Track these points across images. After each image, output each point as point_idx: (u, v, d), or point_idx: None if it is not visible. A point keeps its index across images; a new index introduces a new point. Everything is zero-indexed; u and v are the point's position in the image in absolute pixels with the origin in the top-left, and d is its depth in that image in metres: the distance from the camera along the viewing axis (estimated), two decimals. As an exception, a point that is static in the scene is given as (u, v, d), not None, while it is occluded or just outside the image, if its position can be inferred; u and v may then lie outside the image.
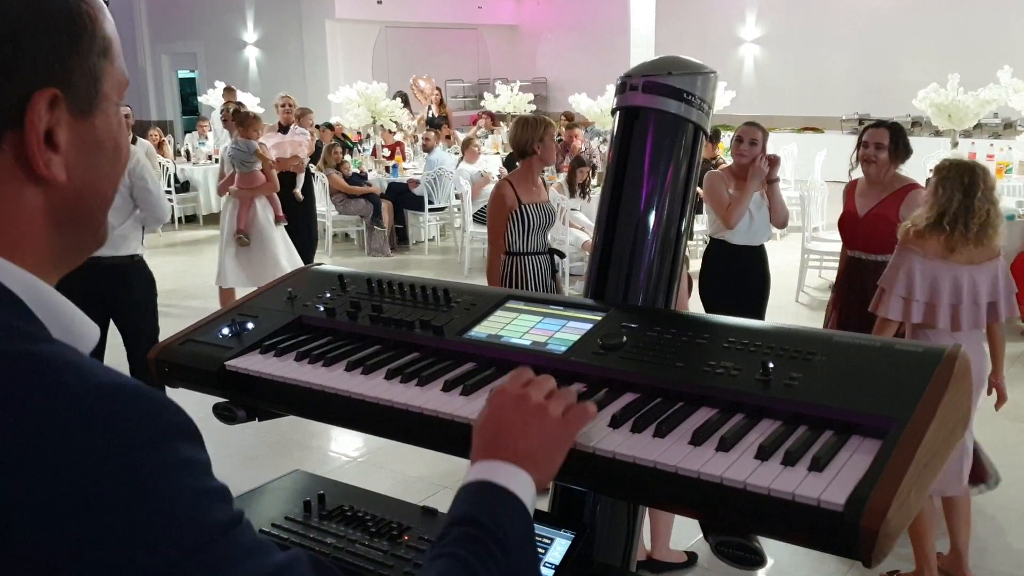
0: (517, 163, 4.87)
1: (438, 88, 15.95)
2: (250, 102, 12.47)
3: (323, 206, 10.10)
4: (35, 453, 0.67)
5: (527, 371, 1.15)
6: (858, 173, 4.59)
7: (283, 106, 8.91)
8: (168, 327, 5.83)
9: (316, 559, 0.81)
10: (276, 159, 8.46)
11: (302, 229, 8.45)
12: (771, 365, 1.19)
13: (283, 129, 8.73)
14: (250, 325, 1.58)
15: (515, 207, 4.62)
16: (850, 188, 4.60)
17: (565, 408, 1.10)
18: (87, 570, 0.66)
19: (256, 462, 5.06)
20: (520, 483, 1.01)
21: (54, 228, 0.81)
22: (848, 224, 4.51)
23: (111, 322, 4.89)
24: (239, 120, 7.26)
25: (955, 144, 9.46)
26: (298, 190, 8.41)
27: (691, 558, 3.84)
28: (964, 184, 3.50)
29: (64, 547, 0.66)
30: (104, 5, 0.85)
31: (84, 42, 0.80)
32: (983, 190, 3.49)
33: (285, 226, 7.41)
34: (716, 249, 4.95)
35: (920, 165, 7.86)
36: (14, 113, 0.76)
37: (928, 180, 3.74)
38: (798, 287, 8.09)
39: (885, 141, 4.39)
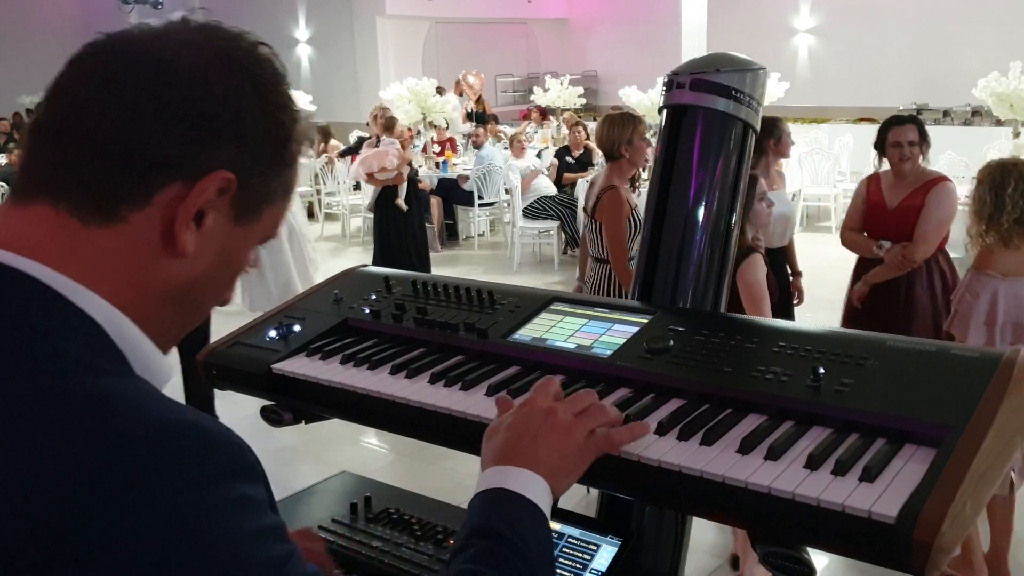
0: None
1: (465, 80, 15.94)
2: (302, 100, 12.59)
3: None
4: (85, 494, 0.66)
5: (554, 383, 1.15)
6: (880, 166, 4.54)
7: (377, 117, 8.76)
8: (221, 326, 5.88)
9: None
10: (366, 176, 8.43)
11: (407, 244, 8.28)
12: (822, 371, 1.17)
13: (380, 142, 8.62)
14: (296, 327, 1.59)
15: (630, 213, 4.36)
16: (873, 180, 4.52)
17: (592, 429, 1.09)
18: None
19: (306, 459, 5.12)
20: (538, 490, 1.01)
21: (162, 303, 0.83)
22: (877, 216, 4.45)
23: None
24: None
25: (1017, 134, 9.21)
26: (400, 200, 8.26)
27: None
28: (995, 183, 3.54)
29: None
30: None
31: (279, 166, 0.86)
32: (1015, 186, 3.47)
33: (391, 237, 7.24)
34: None
35: (980, 156, 7.67)
36: (195, 172, 0.79)
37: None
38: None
39: (916, 137, 4.33)
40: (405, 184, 8.36)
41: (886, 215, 4.40)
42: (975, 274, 3.65)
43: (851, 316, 4.55)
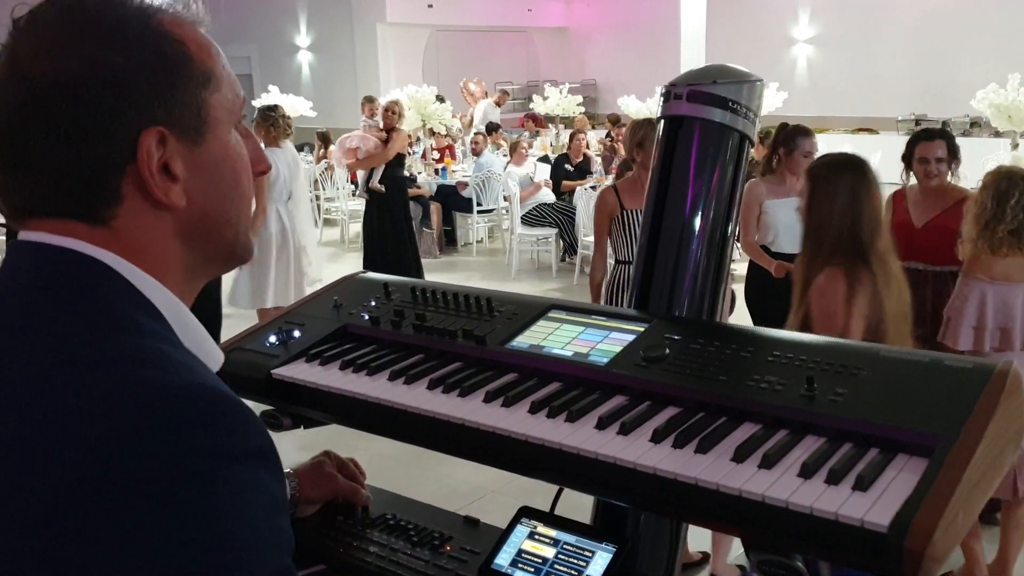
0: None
1: (505, 92, 16.03)
2: (302, 106, 12.60)
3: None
4: (126, 437, 0.69)
5: None
6: (908, 181, 4.46)
7: (386, 111, 8.68)
8: (225, 329, 5.82)
9: None
10: (342, 153, 8.32)
11: (394, 251, 7.91)
12: (816, 380, 1.18)
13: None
14: (296, 333, 1.60)
15: (616, 212, 4.34)
16: (899, 197, 4.42)
17: None
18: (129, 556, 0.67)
19: (305, 463, 5.11)
20: None
21: (185, 247, 0.88)
22: (904, 236, 4.35)
23: None
24: None
25: (1015, 146, 9.23)
26: (375, 181, 7.79)
27: (744, 571, 3.80)
28: (1000, 191, 3.52)
29: (123, 526, 0.67)
30: (209, 40, 0.89)
31: (182, 79, 0.85)
32: (1019, 198, 3.47)
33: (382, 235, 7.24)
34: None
35: (979, 167, 7.69)
36: (128, 150, 0.81)
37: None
38: (851, 291, 7.95)
39: (944, 153, 4.23)
40: (382, 168, 7.91)
41: (913, 235, 4.24)
42: (964, 279, 3.64)
43: None
